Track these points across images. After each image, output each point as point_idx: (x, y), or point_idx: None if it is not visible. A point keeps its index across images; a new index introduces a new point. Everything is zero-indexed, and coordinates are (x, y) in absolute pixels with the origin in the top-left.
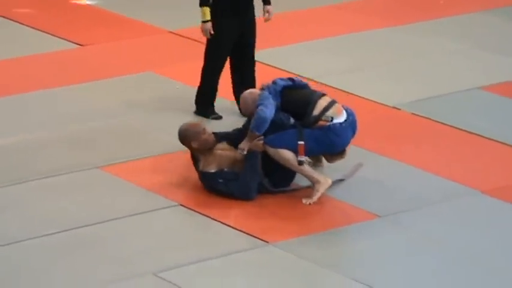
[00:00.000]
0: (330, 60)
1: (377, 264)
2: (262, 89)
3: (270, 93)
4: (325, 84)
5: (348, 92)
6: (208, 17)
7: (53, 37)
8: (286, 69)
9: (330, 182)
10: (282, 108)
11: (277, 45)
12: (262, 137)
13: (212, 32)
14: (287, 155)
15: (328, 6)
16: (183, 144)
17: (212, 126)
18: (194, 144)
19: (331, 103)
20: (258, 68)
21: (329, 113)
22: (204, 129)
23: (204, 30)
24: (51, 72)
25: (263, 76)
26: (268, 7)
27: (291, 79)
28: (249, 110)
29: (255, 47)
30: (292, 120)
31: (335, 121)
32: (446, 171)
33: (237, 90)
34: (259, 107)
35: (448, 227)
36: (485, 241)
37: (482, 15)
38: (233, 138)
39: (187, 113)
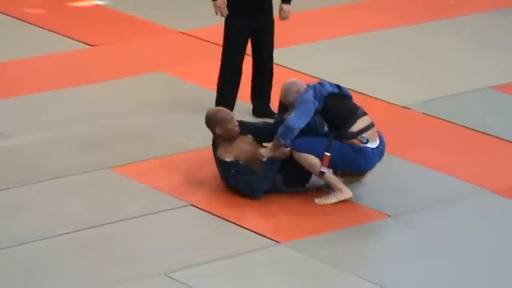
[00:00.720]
0: (341, 60)
1: (388, 264)
2: (308, 86)
3: (315, 94)
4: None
5: (359, 92)
6: None
7: (64, 38)
8: (298, 70)
9: (350, 194)
10: (320, 113)
11: (289, 45)
12: (288, 148)
13: (227, 12)
14: (312, 160)
15: (341, 6)
16: (208, 127)
17: None
18: (218, 130)
19: (370, 126)
20: None
21: (366, 134)
22: (232, 118)
23: (216, 7)
24: (62, 73)
25: (275, 76)
26: (285, 6)
27: (338, 86)
28: (288, 99)
29: (273, 50)
30: (326, 128)
31: (368, 145)
32: (457, 170)
33: (252, 95)
34: (293, 114)
35: (459, 226)
36: (497, 241)
37: (493, 14)
38: (260, 133)
39: (198, 113)
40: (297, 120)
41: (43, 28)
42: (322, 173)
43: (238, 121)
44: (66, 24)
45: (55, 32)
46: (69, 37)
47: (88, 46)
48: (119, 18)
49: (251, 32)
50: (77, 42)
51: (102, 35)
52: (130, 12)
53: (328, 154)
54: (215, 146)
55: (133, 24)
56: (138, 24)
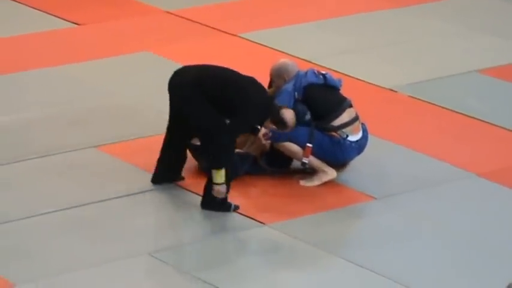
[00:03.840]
0: (327, 41)
1: (373, 246)
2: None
3: (295, 87)
4: (323, 66)
5: (345, 74)
6: None
7: (50, 16)
8: (285, 51)
9: (335, 174)
10: (303, 101)
11: (275, 26)
12: (269, 135)
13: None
14: (294, 148)
15: None
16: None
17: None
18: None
19: (353, 120)
20: (253, 49)
21: (347, 129)
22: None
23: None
24: (47, 51)
25: (261, 57)
26: None
27: (324, 76)
28: (276, 82)
29: None
30: (308, 116)
31: (349, 138)
32: (442, 153)
33: None
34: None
35: (444, 209)
36: (481, 223)
37: None
38: None
39: None
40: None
41: (29, 6)
42: (304, 164)
43: None
44: (52, 2)
45: (41, 11)
46: (55, 16)
47: (74, 25)
48: None
49: None
50: (63, 21)
51: (88, 14)
52: None
53: (310, 145)
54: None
55: (119, 4)
56: (125, 4)
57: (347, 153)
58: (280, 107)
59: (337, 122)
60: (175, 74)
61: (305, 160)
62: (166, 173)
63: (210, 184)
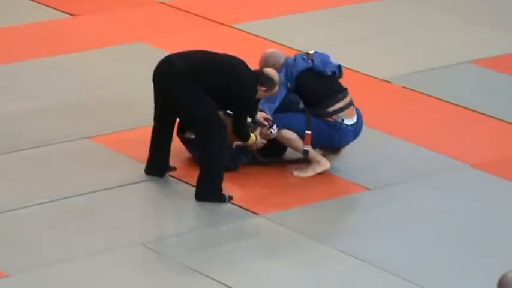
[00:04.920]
0: (321, 32)
1: (366, 236)
2: (286, 59)
3: (286, 76)
4: None
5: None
6: None
7: (44, 6)
8: (279, 41)
9: (328, 166)
10: (295, 91)
11: (268, 17)
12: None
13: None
14: (290, 135)
15: None
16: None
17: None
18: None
19: (348, 105)
20: (246, 40)
21: (342, 114)
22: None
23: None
24: (41, 42)
25: (255, 47)
26: None
27: (311, 59)
28: (265, 66)
29: None
30: (301, 105)
31: (345, 122)
32: (436, 144)
33: None
34: (263, 101)
35: (437, 199)
36: (474, 213)
37: None
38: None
39: None
40: (266, 106)
41: None
42: (305, 152)
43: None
44: None
45: (35, 1)
46: (49, 6)
47: (68, 15)
48: None
49: None
50: (57, 11)
51: (82, 4)
52: None
53: (309, 132)
54: (181, 128)
55: None
56: None
57: (344, 137)
58: (262, 71)
59: (331, 109)
60: (162, 63)
61: (306, 148)
62: (158, 164)
63: (203, 175)
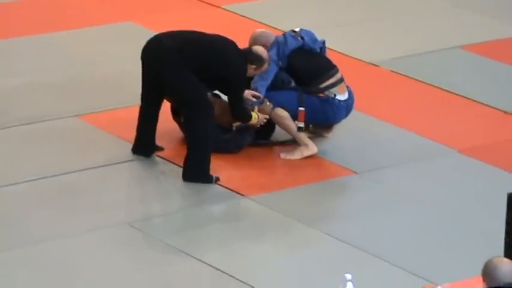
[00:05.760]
0: (310, 15)
1: (353, 219)
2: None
3: (278, 52)
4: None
5: (327, 48)
6: None
7: None
8: (267, 23)
9: (316, 150)
10: (287, 70)
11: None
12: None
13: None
14: (283, 112)
15: None
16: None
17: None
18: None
19: (339, 81)
20: (235, 21)
21: (334, 89)
22: None
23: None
24: (29, 20)
25: (244, 28)
26: None
27: (301, 37)
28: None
29: None
30: (293, 83)
31: (337, 97)
32: (423, 129)
33: None
34: (256, 78)
35: (424, 184)
36: (461, 198)
37: None
38: None
39: None
40: (259, 83)
41: None
42: (300, 129)
43: None
44: None
45: None
46: None
47: None
48: None
49: None
50: None
51: None
52: None
53: (302, 109)
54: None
55: None
56: None
57: (337, 112)
58: (251, 49)
59: (323, 84)
60: (151, 42)
61: (300, 124)
62: (145, 144)
63: (190, 155)
